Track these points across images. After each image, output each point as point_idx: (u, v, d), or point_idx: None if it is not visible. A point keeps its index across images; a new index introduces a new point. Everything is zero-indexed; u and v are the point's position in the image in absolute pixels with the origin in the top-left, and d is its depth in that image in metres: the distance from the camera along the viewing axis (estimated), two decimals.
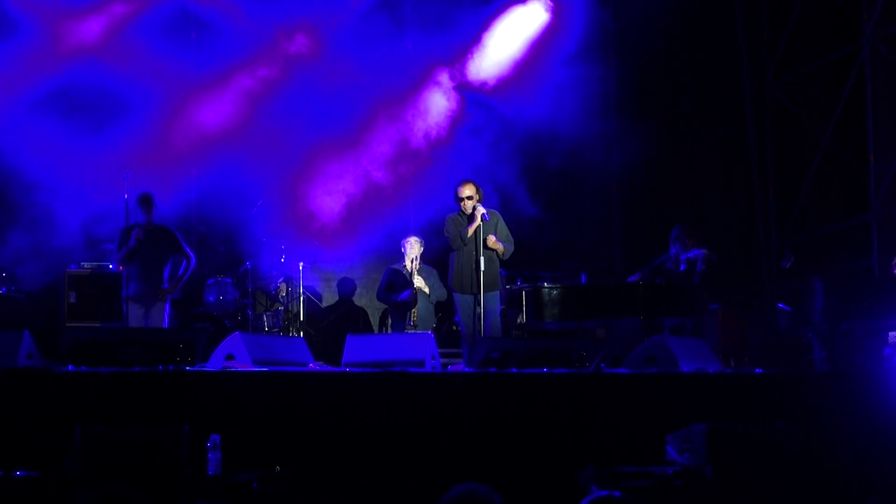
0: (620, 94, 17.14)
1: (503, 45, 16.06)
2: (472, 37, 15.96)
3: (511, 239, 12.59)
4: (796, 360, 14.25)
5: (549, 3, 15.99)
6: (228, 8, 15.60)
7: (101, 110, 15.00)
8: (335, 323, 15.60)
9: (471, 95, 15.86)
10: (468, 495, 4.54)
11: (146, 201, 12.81)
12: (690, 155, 17.11)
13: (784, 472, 8.14)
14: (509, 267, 13.45)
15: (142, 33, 15.24)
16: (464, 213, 12.50)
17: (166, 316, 12.88)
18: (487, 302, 12.20)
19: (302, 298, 14.99)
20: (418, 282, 13.63)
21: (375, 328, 15.76)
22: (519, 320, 13.34)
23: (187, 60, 15.56)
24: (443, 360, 10.77)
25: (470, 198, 12.44)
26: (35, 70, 14.81)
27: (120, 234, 12.81)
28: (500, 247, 12.42)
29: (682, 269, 13.76)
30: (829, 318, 12.19)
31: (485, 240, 12.24)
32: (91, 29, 15.13)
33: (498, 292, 12.63)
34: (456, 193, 12.56)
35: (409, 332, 13.19)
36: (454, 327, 14.44)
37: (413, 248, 13.79)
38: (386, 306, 14.58)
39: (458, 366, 11.74)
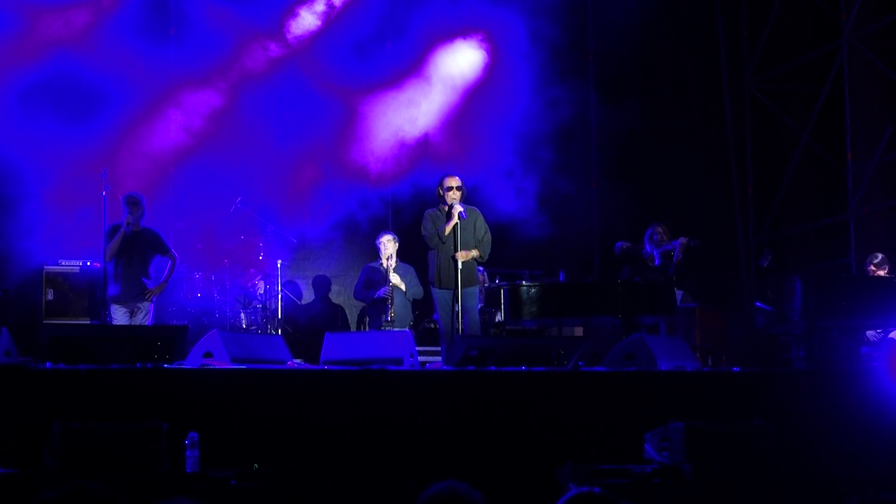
0: (599, 91, 17.14)
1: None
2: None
3: (489, 236, 12.59)
4: (774, 359, 14.29)
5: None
6: (208, 4, 15.56)
7: (80, 105, 14.88)
8: (313, 321, 15.58)
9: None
10: (447, 493, 4.54)
11: (134, 202, 12.75)
12: (669, 153, 17.14)
13: (762, 471, 8.15)
14: (488, 265, 13.46)
15: (120, 28, 15.15)
16: (443, 209, 12.48)
17: (151, 317, 12.83)
18: (466, 298, 12.21)
19: (280, 296, 14.97)
20: (394, 278, 13.62)
21: (353, 326, 15.75)
22: (497, 318, 13.35)
23: (167, 56, 15.50)
24: (420, 359, 10.77)
25: (459, 188, 12.44)
26: (11, 62, 14.72)
27: (109, 229, 12.67)
28: (473, 254, 12.43)
29: (656, 263, 13.79)
30: (807, 316, 12.21)
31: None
32: (69, 22, 15.04)
33: (476, 288, 12.64)
34: (441, 185, 12.54)
35: (388, 328, 13.19)
36: (432, 325, 14.45)
37: (388, 246, 13.78)
38: (364, 304, 14.58)
39: (437, 364, 11.74)
